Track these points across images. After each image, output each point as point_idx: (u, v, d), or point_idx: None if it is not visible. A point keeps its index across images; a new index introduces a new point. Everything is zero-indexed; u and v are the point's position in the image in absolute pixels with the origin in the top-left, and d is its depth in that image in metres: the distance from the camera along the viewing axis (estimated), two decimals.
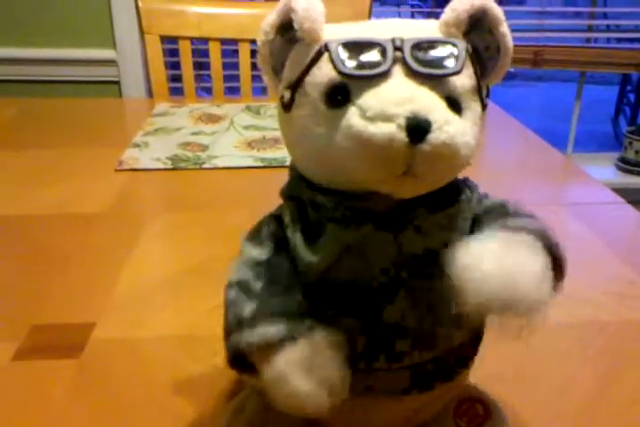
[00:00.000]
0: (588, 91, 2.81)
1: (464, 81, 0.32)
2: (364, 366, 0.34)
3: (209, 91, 1.41)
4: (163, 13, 1.32)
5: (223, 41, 1.35)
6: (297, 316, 0.32)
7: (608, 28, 3.42)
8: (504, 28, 0.34)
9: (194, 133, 1.05)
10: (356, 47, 0.31)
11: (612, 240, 0.71)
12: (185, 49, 1.34)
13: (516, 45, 0.35)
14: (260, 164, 0.92)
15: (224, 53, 1.37)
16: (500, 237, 0.33)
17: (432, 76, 0.30)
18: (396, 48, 0.31)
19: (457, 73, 0.31)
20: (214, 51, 1.34)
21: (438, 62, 0.31)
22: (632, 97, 3.37)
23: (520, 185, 0.88)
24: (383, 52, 0.31)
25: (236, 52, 1.38)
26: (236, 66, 1.39)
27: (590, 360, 0.51)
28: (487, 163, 0.96)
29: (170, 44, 1.73)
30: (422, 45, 0.31)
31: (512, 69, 0.39)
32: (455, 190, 0.35)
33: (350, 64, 0.31)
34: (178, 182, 0.86)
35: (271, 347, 0.31)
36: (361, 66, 0.30)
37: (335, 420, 0.37)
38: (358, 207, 0.33)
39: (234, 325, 0.33)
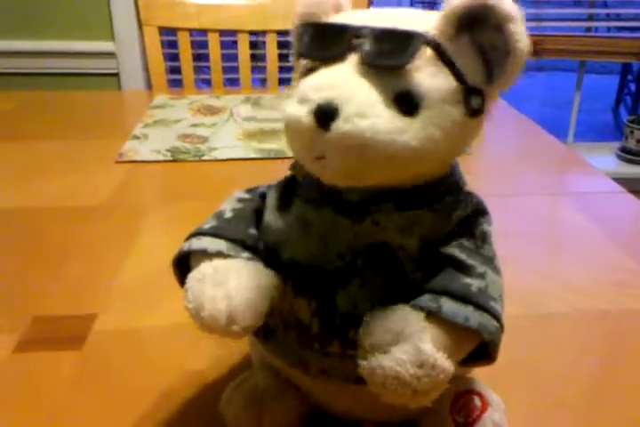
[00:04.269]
0: (588, 80, 2.80)
1: (432, 80, 0.30)
2: (318, 348, 0.35)
3: (208, 82, 1.40)
4: (161, 5, 1.31)
5: (222, 32, 1.34)
6: (241, 245, 0.36)
7: (608, 17, 3.40)
8: (515, 26, 0.30)
9: (193, 125, 1.04)
10: (322, 31, 0.32)
11: (613, 229, 0.71)
12: (184, 41, 1.33)
13: None
14: (259, 155, 0.92)
15: (223, 45, 1.36)
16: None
17: (382, 68, 0.30)
18: (358, 36, 0.30)
19: (400, 66, 0.29)
20: (213, 42, 1.34)
21: (395, 54, 0.29)
22: (633, 86, 3.36)
23: (521, 175, 0.88)
24: (341, 38, 0.31)
25: (235, 43, 1.37)
26: (235, 57, 1.39)
27: (590, 349, 0.51)
28: (488, 152, 0.96)
29: (168, 35, 1.72)
30: (385, 36, 0.30)
31: None
32: (435, 198, 0.34)
33: (309, 46, 0.32)
34: (178, 174, 0.86)
35: (206, 256, 0.35)
36: (317, 49, 0.31)
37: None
38: (330, 192, 0.34)
39: (192, 233, 0.38)
